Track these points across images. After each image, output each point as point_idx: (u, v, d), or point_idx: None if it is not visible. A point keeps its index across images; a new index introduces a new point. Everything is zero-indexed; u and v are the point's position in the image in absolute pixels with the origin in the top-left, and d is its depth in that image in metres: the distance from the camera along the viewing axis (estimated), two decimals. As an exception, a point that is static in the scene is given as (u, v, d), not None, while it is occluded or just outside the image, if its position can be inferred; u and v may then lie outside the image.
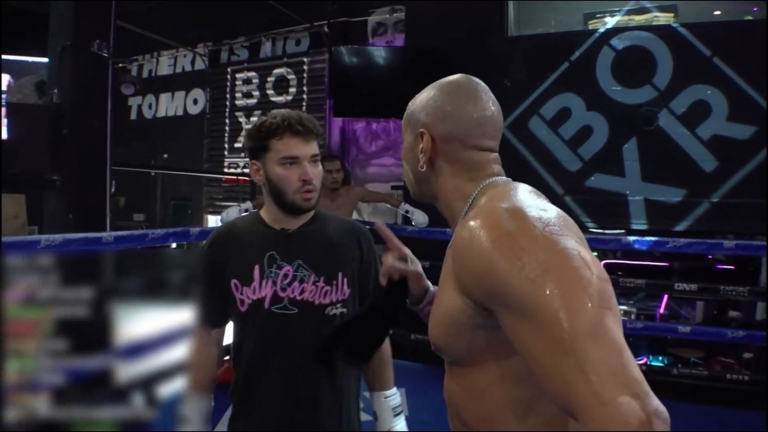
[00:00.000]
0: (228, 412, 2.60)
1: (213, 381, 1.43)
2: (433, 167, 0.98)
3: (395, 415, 1.44)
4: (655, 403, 0.58)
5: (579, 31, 4.45)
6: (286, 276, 1.35)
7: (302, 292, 1.35)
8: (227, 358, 4.09)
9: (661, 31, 4.15)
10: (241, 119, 6.90)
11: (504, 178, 0.98)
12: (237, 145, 6.94)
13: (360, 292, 1.45)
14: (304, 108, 6.49)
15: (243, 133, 6.83)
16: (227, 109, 6.97)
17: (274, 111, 1.42)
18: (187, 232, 3.58)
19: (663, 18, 4.43)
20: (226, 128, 6.98)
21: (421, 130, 0.98)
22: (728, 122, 3.91)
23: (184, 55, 7.20)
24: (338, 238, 1.44)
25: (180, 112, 7.26)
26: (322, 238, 1.43)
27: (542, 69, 4.42)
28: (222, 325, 1.47)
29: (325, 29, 6.21)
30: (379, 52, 5.02)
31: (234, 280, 1.36)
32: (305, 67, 6.50)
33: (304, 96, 6.51)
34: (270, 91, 6.72)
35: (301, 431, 1.37)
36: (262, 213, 1.45)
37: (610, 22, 4.52)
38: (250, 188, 5.47)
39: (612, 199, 4.14)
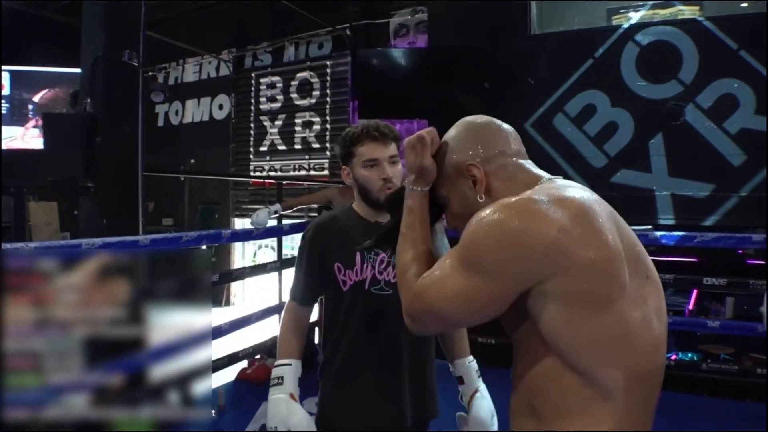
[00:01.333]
0: (261, 409, 2.70)
1: (302, 350, 1.62)
2: (490, 193, 1.02)
3: (478, 377, 1.66)
4: None
5: (602, 28, 4.45)
6: (382, 261, 1.57)
7: (396, 276, 1.50)
8: (258, 357, 4.20)
9: (686, 25, 4.14)
10: (265, 123, 7.03)
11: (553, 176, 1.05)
12: (262, 148, 7.06)
13: None
14: (327, 110, 6.60)
15: (267, 136, 6.94)
16: (252, 114, 7.11)
17: (360, 124, 1.61)
18: (219, 234, 3.69)
19: (688, 12, 4.41)
20: (251, 132, 7.12)
21: (468, 164, 1.02)
22: (756, 115, 3.88)
23: (209, 62, 7.36)
24: None
25: (206, 118, 7.42)
26: None
27: (566, 66, 4.44)
28: (312, 305, 1.68)
29: (347, 32, 6.30)
30: (401, 54, 5.08)
31: (337, 264, 1.57)
32: (328, 70, 6.61)
33: (328, 99, 6.61)
34: (294, 95, 6.84)
35: (397, 393, 1.55)
36: (356, 207, 1.66)
37: (635, 17, 4.51)
38: (276, 191, 5.57)
39: (639, 195, 4.14)
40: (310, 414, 1.54)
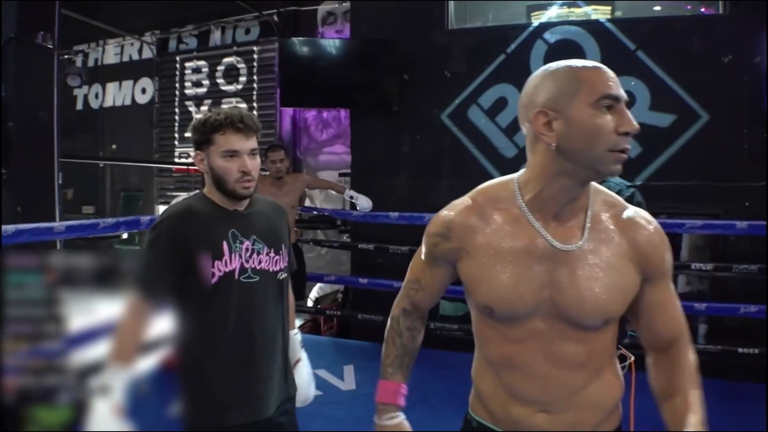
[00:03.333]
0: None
1: (137, 352, 1.44)
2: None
3: (301, 347, 1.86)
4: None
5: (514, 25, 4.78)
6: (247, 249, 1.59)
7: (260, 262, 1.61)
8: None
9: (590, 25, 4.52)
10: (191, 108, 7.03)
11: None
12: (187, 134, 7.07)
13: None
14: (254, 96, 6.67)
15: (190, 125, 6.98)
16: (176, 99, 7.08)
17: (219, 109, 1.60)
18: (138, 220, 3.74)
19: (599, 12, 4.79)
20: (176, 118, 7.09)
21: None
22: (651, 111, 4.31)
23: (131, 44, 7.26)
24: (274, 217, 1.72)
25: (128, 102, 7.33)
26: (264, 217, 1.69)
27: (480, 61, 4.75)
28: (164, 303, 1.50)
29: (275, 18, 6.38)
30: (324, 44, 5.25)
31: (204, 254, 1.52)
32: (255, 56, 6.66)
33: (255, 85, 6.68)
34: (220, 80, 6.86)
35: (266, 380, 1.63)
36: (209, 195, 1.63)
37: (550, 14, 4.85)
38: (201, 177, 5.65)
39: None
40: None
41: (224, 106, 1.81)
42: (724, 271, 3.75)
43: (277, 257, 1.66)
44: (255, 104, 6.68)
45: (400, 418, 1.29)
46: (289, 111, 6.27)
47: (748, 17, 4.15)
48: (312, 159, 6.25)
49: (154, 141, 7.15)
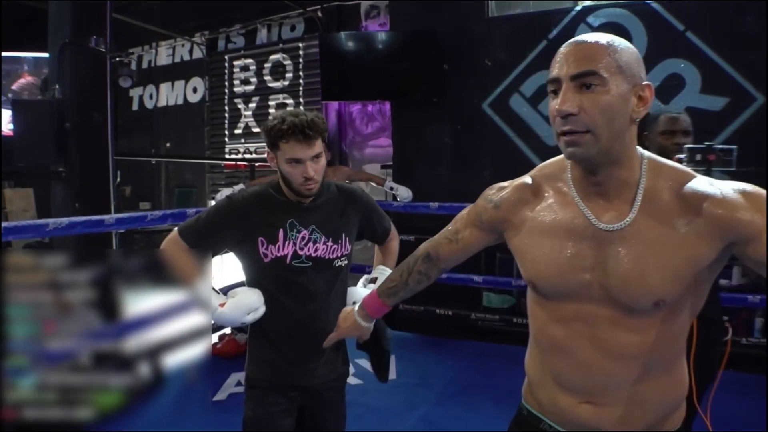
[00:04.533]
0: (229, 380, 2.98)
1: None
2: (632, 125, 1.02)
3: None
4: None
5: (556, 10, 4.69)
6: (303, 238, 1.73)
7: (316, 250, 1.75)
8: (228, 331, 4.47)
9: (635, 7, 4.39)
10: (239, 106, 7.23)
11: None
12: (237, 131, 7.28)
13: (372, 234, 1.96)
14: (300, 92, 6.80)
15: (241, 119, 7.16)
16: (226, 97, 7.30)
17: (285, 113, 1.68)
18: (184, 213, 3.88)
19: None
20: (226, 115, 7.31)
21: (646, 83, 1.01)
22: (701, 94, 4.16)
23: (182, 45, 7.53)
24: (341, 205, 1.83)
25: (180, 101, 7.60)
26: (328, 207, 1.80)
27: (522, 48, 4.69)
28: (198, 253, 1.50)
29: (319, 14, 6.49)
30: (364, 36, 5.31)
31: (261, 238, 1.71)
32: (301, 53, 6.79)
33: (301, 81, 6.81)
34: (267, 77, 7.03)
35: (314, 360, 1.79)
36: (281, 185, 1.78)
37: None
38: (249, 173, 5.81)
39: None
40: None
41: (288, 108, 2.03)
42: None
43: (335, 246, 1.77)
44: (301, 100, 6.81)
45: (366, 324, 1.60)
46: (334, 105, 6.35)
47: (806, -7, 3.93)
48: (357, 152, 6.33)
49: (206, 138, 7.39)
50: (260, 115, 7.14)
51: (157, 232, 5.34)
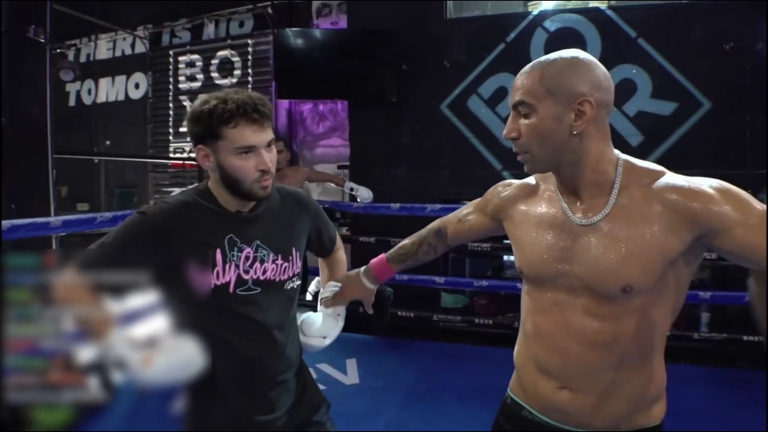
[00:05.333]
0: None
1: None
2: (582, 135, 1.11)
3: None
4: None
5: (514, 14, 4.78)
6: (247, 258, 1.38)
7: (264, 271, 1.41)
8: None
9: (590, 13, 4.53)
10: (185, 103, 7.02)
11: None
12: (182, 129, 7.06)
13: (318, 246, 1.65)
14: (249, 90, 6.66)
15: (188, 114, 6.95)
16: (170, 93, 7.07)
17: (222, 93, 1.34)
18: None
19: (597, 1, 4.80)
20: (170, 112, 7.08)
21: (585, 98, 1.08)
22: (652, 99, 4.33)
23: (124, 38, 7.24)
24: (289, 214, 1.51)
25: (121, 97, 7.31)
26: (275, 216, 1.47)
27: (480, 50, 4.76)
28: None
29: (269, 10, 6.37)
30: (322, 34, 5.25)
31: (192, 263, 1.23)
32: (250, 49, 6.66)
33: (250, 78, 6.67)
34: (214, 74, 6.85)
35: (274, 399, 1.46)
36: (213, 191, 1.41)
37: (549, 4, 4.86)
38: (197, 173, 5.64)
39: (546, 174, 4.55)
40: None
41: (226, 89, 1.39)
42: (725, 260, 3.75)
43: (285, 264, 1.45)
44: (250, 98, 6.69)
45: (372, 286, 1.59)
46: (284, 104, 6.26)
47: (750, 4, 4.15)
48: (308, 152, 6.25)
49: (149, 136, 7.14)
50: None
51: (97, 235, 5.10)
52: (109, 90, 7.38)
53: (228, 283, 1.36)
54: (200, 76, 6.90)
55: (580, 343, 1.15)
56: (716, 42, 4.21)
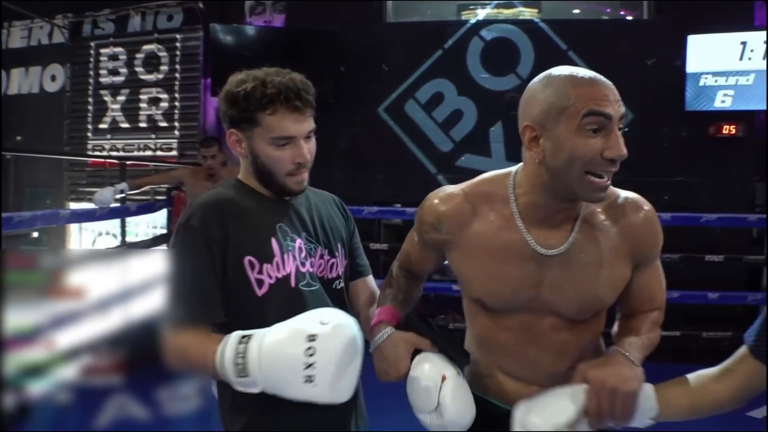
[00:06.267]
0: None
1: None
2: (536, 166, 1.11)
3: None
4: None
5: (452, 21, 4.98)
6: (301, 249, 1.24)
7: (316, 266, 1.27)
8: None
9: (525, 25, 4.78)
10: (106, 98, 6.78)
11: None
12: (102, 126, 6.81)
13: (350, 262, 1.41)
14: (176, 87, 6.53)
15: (108, 113, 6.70)
16: (91, 87, 6.81)
17: (262, 74, 1.20)
18: (57, 214, 3.60)
19: (528, 13, 5.07)
20: (90, 108, 6.82)
21: (524, 124, 1.09)
22: (581, 109, 4.61)
23: (41, 27, 6.93)
24: (326, 208, 1.37)
25: (36, 90, 6.98)
26: (315, 208, 1.34)
27: (418, 55, 4.91)
28: (224, 319, 1.16)
29: (200, 5, 6.28)
30: (258, 32, 5.24)
31: (248, 257, 1.17)
32: (178, 44, 6.51)
33: (177, 75, 6.53)
34: (139, 69, 6.66)
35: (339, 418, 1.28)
36: (246, 181, 1.28)
37: (481, 14, 5.08)
38: (119, 172, 5.45)
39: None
40: None
41: (266, 69, 1.20)
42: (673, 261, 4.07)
43: (333, 260, 1.31)
44: (177, 95, 6.54)
45: (390, 332, 1.21)
46: (213, 102, 6.18)
47: (671, 23, 4.53)
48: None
49: (65, 132, 6.84)
50: (130, 109, 6.74)
51: (14, 237, 4.85)
52: (21, 81, 7.03)
53: (289, 276, 1.21)
54: (124, 71, 6.69)
55: (550, 355, 1.20)
56: (639, 57, 4.55)
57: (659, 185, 4.49)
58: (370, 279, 1.46)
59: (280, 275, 1.19)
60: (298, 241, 1.24)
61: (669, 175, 4.51)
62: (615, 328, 1.25)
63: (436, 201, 1.23)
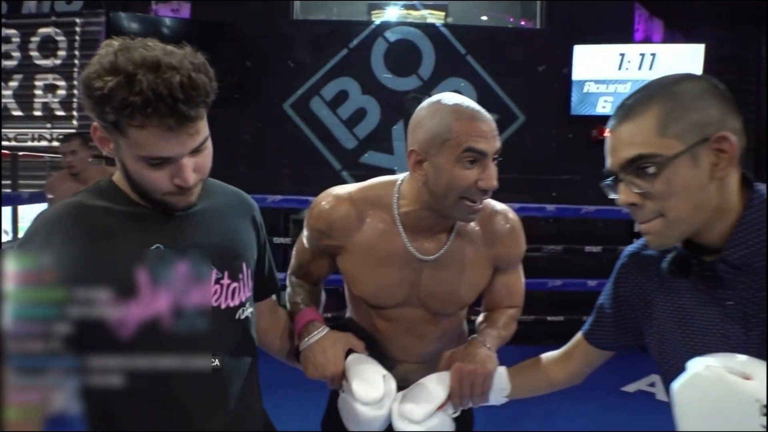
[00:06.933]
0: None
1: None
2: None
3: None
4: None
5: (357, 21, 5.18)
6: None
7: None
8: None
9: (427, 28, 5.07)
10: (-4, 83, 6.51)
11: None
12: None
13: (256, 281, 1.18)
14: (75, 74, 6.35)
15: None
16: (-22, 71, 6.52)
17: (138, 60, 0.87)
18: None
19: (434, 16, 5.36)
20: (-23, 92, 6.53)
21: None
22: (477, 111, 4.95)
23: None
24: (231, 217, 1.13)
25: None
26: (213, 218, 1.09)
27: (324, 53, 5.08)
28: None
29: (102, -11, 6.15)
30: (162, 22, 5.22)
31: (107, 291, 0.88)
32: (78, 29, 6.33)
33: (76, 61, 6.35)
34: (34, 53, 6.43)
35: None
36: (120, 184, 1.02)
37: (391, 15, 5.32)
38: (10, 163, 5.27)
39: (383, 174, 4.97)
40: None
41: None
42: (535, 251, 4.47)
43: (235, 284, 1.08)
44: (76, 82, 6.37)
45: (325, 330, 1.27)
46: (116, 92, 6.05)
47: (560, 33, 4.94)
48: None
49: (-51, 118, 6.49)
50: (23, 96, 6.49)
51: None
52: None
53: (161, 315, 0.93)
54: (17, 54, 6.44)
55: (419, 341, 1.38)
56: (531, 64, 4.94)
57: (547, 183, 4.91)
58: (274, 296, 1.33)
59: (149, 313, 0.92)
60: (182, 267, 0.94)
61: (556, 173, 4.94)
62: (480, 318, 1.46)
63: (325, 207, 1.30)
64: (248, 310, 1.12)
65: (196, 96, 0.89)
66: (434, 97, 1.20)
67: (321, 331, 1.26)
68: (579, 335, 1.19)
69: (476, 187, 1.14)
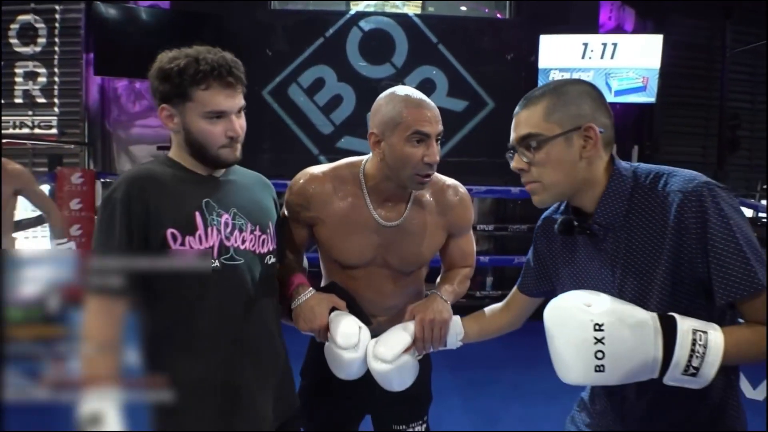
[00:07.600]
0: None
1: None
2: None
3: None
4: None
5: (333, 11, 5.41)
6: (227, 224, 1.33)
7: (243, 241, 1.36)
8: None
9: (400, 18, 5.33)
10: (-24, 71, 6.61)
11: None
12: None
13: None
14: (56, 61, 6.46)
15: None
16: (-42, 58, 6.62)
17: (194, 51, 1.30)
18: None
19: (411, 5, 5.61)
20: (-42, 80, 6.62)
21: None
22: (448, 97, 5.23)
23: None
24: (257, 190, 1.48)
25: None
26: (246, 187, 1.44)
27: (301, 42, 5.32)
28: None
29: (82, -23, 6.25)
30: (143, 12, 5.38)
31: (171, 230, 1.26)
32: (57, 17, 6.40)
33: (56, 48, 6.46)
34: (14, 40, 6.52)
35: (261, 391, 1.40)
36: (176, 158, 1.37)
37: (369, 4, 5.56)
38: (-6, 148, 5.41)
39: (358, 159, 5.28)
40: None
41: (197, 47, 1.33)
42: (502, 230, 4.81)
43: (263, 237, 1.41)
44: (56, 69, 6.48)
45: (312, 291, 1.51)
46: (97, 79, 6.12)
47: (527, 23, 5.24)
48: (123, 132, 6.17)
49: (-71, 105, 6.59)
50: (4, 83, 6.60)
51: None
52: None
53: (211, 249, 1.30)
54: (-4, 42, 6.54)
55: (383, 297, 1.60)
56: (500, 52, 5.24)
57: (515, 166, 5.21)
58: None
59: (202, 247, 1.28)
60: (225, 217, 1.33)
61: (523, 157, 5.23)
62: (438, 279, 1.73)
63: (303, 183, 1.55)
64: (273, 259, 1.45)
65: (240, 68, 1.31)
66: (390, 89, 1.48)
67: (309, 293, 1.50)
68: (515, 288, 1.45)
69: (422, 162, 1.40)
